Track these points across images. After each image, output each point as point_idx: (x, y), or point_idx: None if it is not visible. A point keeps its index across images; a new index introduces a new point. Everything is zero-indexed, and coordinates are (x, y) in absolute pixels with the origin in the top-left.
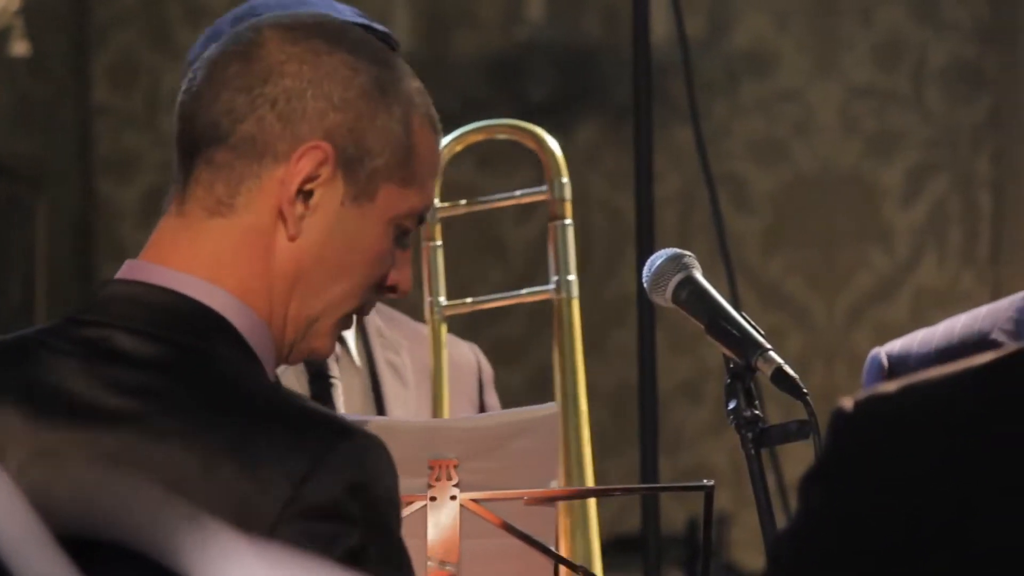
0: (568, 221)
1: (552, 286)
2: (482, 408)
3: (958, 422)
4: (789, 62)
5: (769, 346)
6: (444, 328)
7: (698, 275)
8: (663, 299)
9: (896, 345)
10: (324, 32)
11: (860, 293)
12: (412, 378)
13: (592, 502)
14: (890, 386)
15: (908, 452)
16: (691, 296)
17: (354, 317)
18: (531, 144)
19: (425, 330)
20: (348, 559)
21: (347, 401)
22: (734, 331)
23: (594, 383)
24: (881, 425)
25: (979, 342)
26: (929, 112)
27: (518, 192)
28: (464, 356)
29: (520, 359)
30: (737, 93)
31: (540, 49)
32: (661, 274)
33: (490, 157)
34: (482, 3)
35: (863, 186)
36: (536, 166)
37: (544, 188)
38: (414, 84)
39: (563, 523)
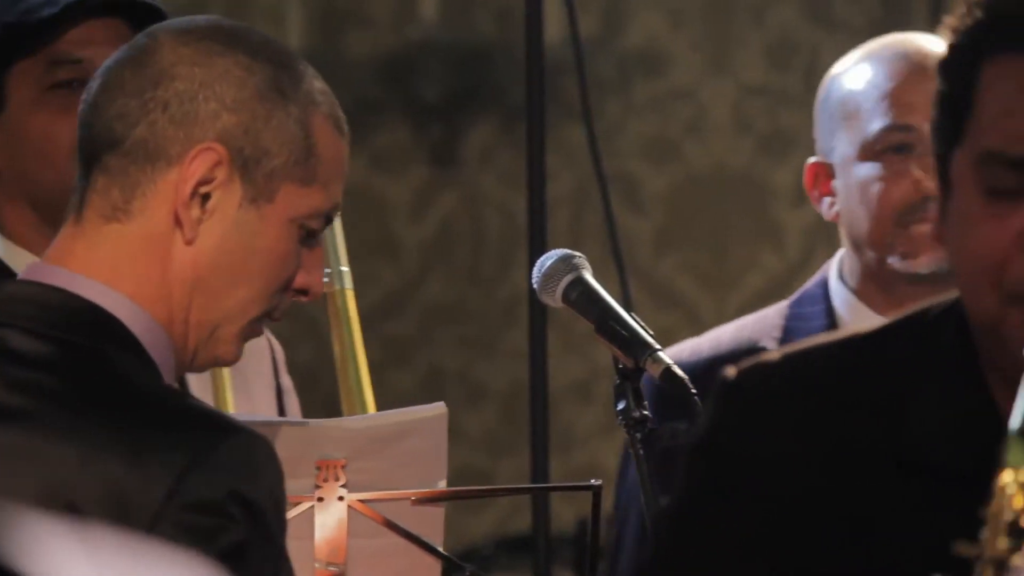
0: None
1: (325, 279)
2: (279, 389)
3: (836, 389)
4: (682, 61)
5: (658, 346)
6: None
7: (588, 276)
8: (553, 300)
9: (666, 356)
10: (219, 34)
11: (751, 293)
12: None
13: None
14: (774, 354)
15: (788, 423)
16: (581, 297)
17: (264, 322)
18: None
19: None
20: (227, 555)
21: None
22: (623, 332)
23: (486, 383)
24: (762, 395)
25: (748, 350)
26: None
27: None
28: (257, 340)
29: (411, 359)
30: (630, 92)
31: (433, 48)
32: (552, 275)
33: (383, 155)
34: (374, 2)
35: (755, 186)
36: (430, 163)
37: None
38: (317, 85)
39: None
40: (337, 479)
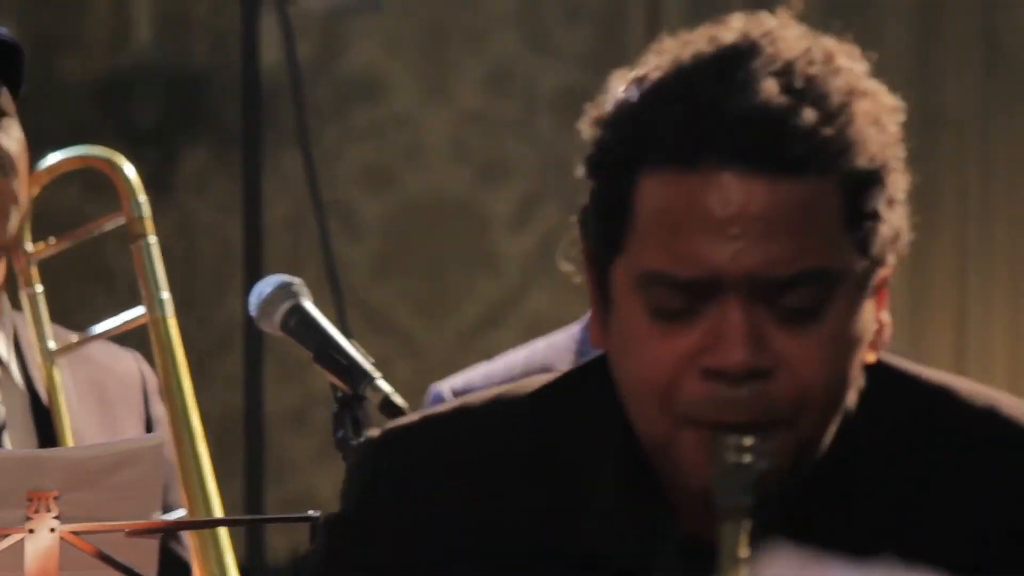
0: (152, 239)
1: (144, 309)
2: (149, 420)
3: (477, 459)
4: (400, 88)
5: (377, 374)
6: (56, 371)
7: (307, 303)
8: (271, 327)
9: (459, 381)
10: None
11: (469, 319)
12: (75, 396)
13: (224, 535)
14: (414, 417)
15: (424, 493)
16: (299, 324)
17: None
18: (103, 168)
19: (84, 343)
20: None
21: (9, 422)
22: (342, 360)
23: (199, 411)
24: (400, 463)
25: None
26: (540, 138)
27: (98, 222)
28: (127, 368)
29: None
30: (348, 118)
31: (148, 73)
32: (269, 302)
33: (96, 182)
34: (88, 25)
35: (473, 213)
36: (145, 189)
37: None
38: None
39: (196, 552)
40: (49, 510)
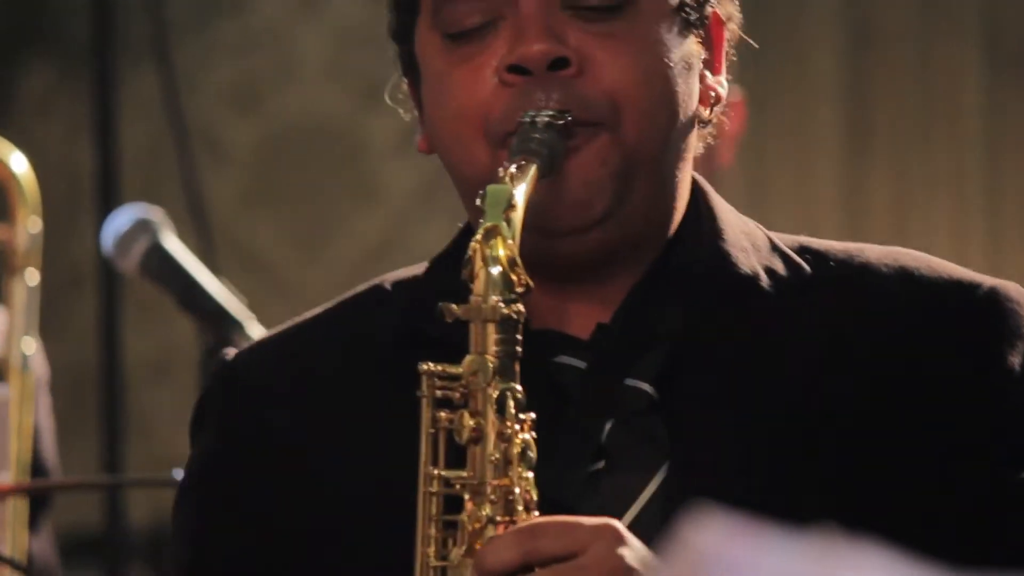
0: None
1: None
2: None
3: (308, 353)
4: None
5: (248, 318)
6: None
7: (168, 239)
8: (129, 267)
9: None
10: None
11: (348, 256)
12: None
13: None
14: (277, 328)
15: (261, 395)
16: (160, 264)
17: None
18: None
19: None
20: None
21: None
22: (208, 303)
23: (48, 362)
24: (246, 370)
25: None
26: None
27: None
28: None
29: None
30: (211, 32)
31: None
32: (126, 239)
33: None
34: None
35: (352, 139)
36: None
37: None
38: None
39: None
40: None
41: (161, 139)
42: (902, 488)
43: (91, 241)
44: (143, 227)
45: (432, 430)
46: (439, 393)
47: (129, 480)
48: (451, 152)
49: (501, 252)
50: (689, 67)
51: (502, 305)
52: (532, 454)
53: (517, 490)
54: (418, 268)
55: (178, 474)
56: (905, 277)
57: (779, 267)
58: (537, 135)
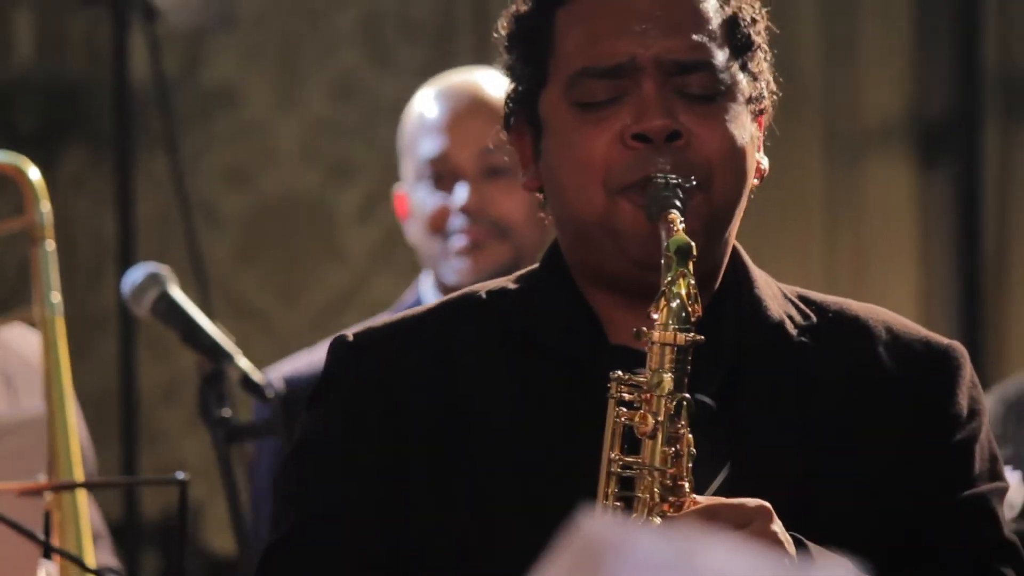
0: (50, 245)
1: (35, 306)
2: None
3: (424, 340)
4: (256, 96)
5: (238, 353)
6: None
7: (174, 289)
8: (143, 311)
9: (287, 368)
10: None
11: (319, 305)
12: None
13: (82, 498)
14: (380, 320)
15: (391, 367)
16: (167, 309)
17: None
18: (11, 173)
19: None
20: None
21: None
22: (206, 340)
23: (78, 388)
24: (370, 347)
25: None
26: (381, 143)
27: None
28: (37, 351)
29: None
30: (210, 124)
31: (29, 83)
32: (140, 289)
33: None
34: None
35: (322, 210)
36: (16, 192)
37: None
38: None
39: (56, 517)
40: None
41: (170, 210)
42: (883, 488)
43: (113, 291)
44: (154, 280)
45: (616, 422)
46: (625, 396)
47: (142, 480)
48: (566, 191)
49: (684, 291)
50: (753, 145)
51: (681, 334)
52: (693, 451)
53: (685, 482)
54: (504, 280)
55: (182, 476)
56: (888, 329)
57: (794, 314)
58: (667, 193)
